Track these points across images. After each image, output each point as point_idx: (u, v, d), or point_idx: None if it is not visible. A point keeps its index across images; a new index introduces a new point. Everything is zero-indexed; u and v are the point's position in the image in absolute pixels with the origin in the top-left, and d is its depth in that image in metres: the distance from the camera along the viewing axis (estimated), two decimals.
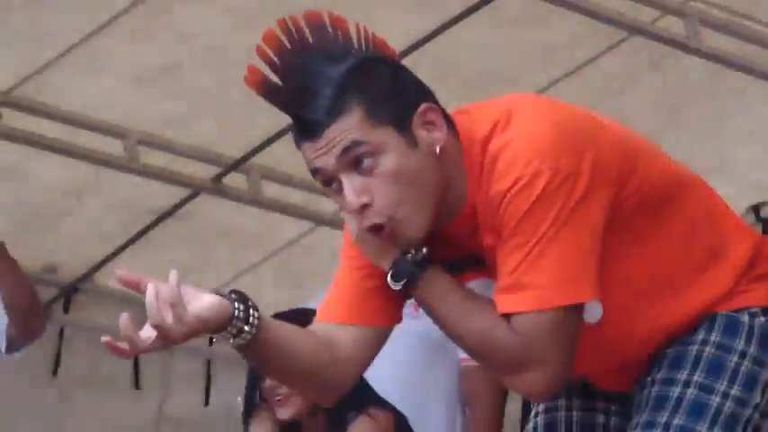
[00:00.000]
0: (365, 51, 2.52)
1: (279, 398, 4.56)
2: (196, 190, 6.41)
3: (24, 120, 5.85)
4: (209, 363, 7.11)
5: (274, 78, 2.42)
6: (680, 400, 2.60)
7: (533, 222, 2.45)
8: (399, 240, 2.53)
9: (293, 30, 2.43)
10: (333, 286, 2.71)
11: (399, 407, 4.67)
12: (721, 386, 2.59)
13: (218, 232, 6.50)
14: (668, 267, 2.69)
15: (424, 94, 2.51)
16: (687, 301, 2.70)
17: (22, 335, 5.03)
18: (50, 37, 5.69)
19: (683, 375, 2.61)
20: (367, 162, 2.43)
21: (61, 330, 6.69)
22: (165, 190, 6.38)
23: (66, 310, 6.82)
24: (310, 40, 2.46)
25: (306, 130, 2.43)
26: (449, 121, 2.51)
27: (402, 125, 2.46)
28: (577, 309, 2.46)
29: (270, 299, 5.65)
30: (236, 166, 6.30)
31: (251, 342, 2.40)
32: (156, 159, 6.16)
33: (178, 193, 6.42)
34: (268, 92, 2.42)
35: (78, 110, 5.96)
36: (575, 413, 2.83)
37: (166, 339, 2.24)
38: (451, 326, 2.60)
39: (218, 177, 6.30)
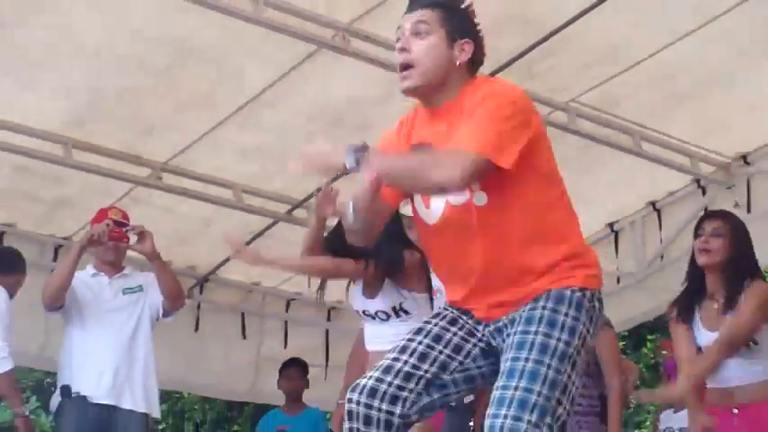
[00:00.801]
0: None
1: None
2: (276, 219, 7.69)
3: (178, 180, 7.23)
4: (285, 323, 8.49)
5: None
6: (533, 343, 3.23)
7: (493, 109, 3.27)
8: (405, 80, 3.43)
9: None
10: None
11: None
12: (556, 334, 3.26)
13: (291, 245, 6.44)
14: (535, 225, 3.35)
15: (474, 34, 3.48)
16: (538, 257, 3.35)
17: (170, 307, 6.34)
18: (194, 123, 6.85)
19: (532, 327, 3.26)
20: (422, 33, 3.43)
21: (198, 305, 8.14)
22: (258, 219, 7.67)
23: (201, 292, 8.23)
24: None
25: (409, 8, 3.49)
26: (475, 60, 3.47)
27: (451, 37, 3.43)
28: (489, 162, 3.16)
29: None
30: (300, 203, 7.54)
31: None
32: (253, 201, 7.52)
33: (266, 221, 7.70)
34: None
35: (214, 173, 7.30)
36: (457, 334, 3.50)
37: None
38: (404, 170, 3.29)
39: (290, 211, 7.66)
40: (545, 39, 6.13)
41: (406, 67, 3.43)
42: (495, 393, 3.20)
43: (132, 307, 6.26)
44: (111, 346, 6.12)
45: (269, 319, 8.59)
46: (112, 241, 6.15)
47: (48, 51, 6.03)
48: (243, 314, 8.40)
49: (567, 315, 3.30)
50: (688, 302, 5.15)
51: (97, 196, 6.94)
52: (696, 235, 5.23)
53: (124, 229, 6.18)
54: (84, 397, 6.00)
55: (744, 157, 7.57)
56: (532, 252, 3.37)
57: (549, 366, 3.20)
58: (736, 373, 4.95)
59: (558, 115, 6.88)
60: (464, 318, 3.51)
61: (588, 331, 3.34)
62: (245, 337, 8.36)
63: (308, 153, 3.36)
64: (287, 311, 8.48)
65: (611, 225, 8.07)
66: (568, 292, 3.34)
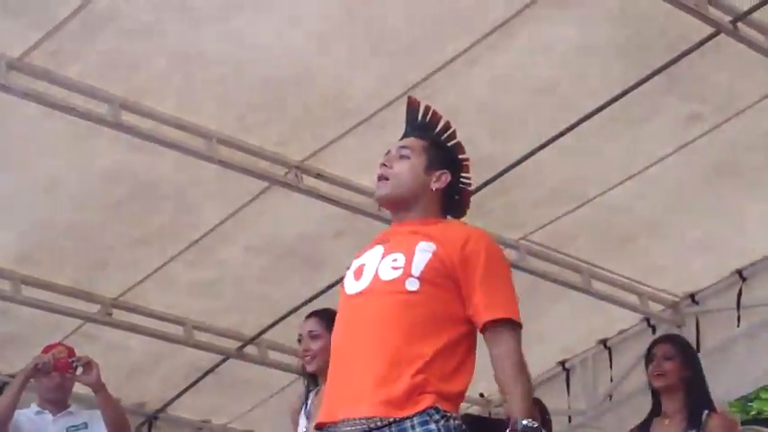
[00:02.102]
0: (438, 133, 3.75)
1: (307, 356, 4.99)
2: (226, 356, 7.55)
3: (129, 316, 7.20)
4: None
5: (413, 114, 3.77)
6: None
7: (501, 270, 3.46)
8: (379, 189, 3.66)
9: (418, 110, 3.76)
10: None
11: None
12: None
13: (242, 382, 7.29)
14: (433, 357, 3.36)
15: (453, 167, 3.70)
16: (413, 384, 3.31)
17: None
18: (146, 258, 6.90)
19: None
20: (405, 156, 3.66)
21: None
22: (209, 356, 7.50)
23: (149, 430, 7.99)
24: (420, 118, 3.77)
25: (403, 137, 3.76)
26: (454, 192, 3.70)
27: (430, 165, 3.66)
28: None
29: None
30: (251, 340, 7.48)
31: None
32: (203, 337, 7.39)
33: (216, 357, 7.58)
34: (408, 115, 3.79)
35: (165, 309, 7.22)
36: None
37: None
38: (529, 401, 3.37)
39: (240, 348, 7.51)
40: (497, 176, 6.21)
41: (382, 178, 3.65)
42: None
43: None
44: None
45: None
46: (57, 371, 6.03)
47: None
48: None
49: None
50: (643, 425, 5.33)
51: (46, 332, 6.84)
52: (648, 361, 5.38)
53: (70, 360, 6.03)
54: None
55: (692, 296, 7.64)
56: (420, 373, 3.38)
57: None
58: None
59: (508, 252, 6.77)
60: None
61: None
62: None
63: None
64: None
65: (562, 363, 8.03)
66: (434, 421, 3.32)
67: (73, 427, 6.13)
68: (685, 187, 6.67)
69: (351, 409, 3.37)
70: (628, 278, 7.47)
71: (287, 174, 6.18)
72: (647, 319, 7.77)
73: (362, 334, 3.47)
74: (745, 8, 5.56)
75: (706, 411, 5.19)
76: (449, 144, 3.77)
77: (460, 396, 3.48)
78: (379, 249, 3.58)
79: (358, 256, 3.66)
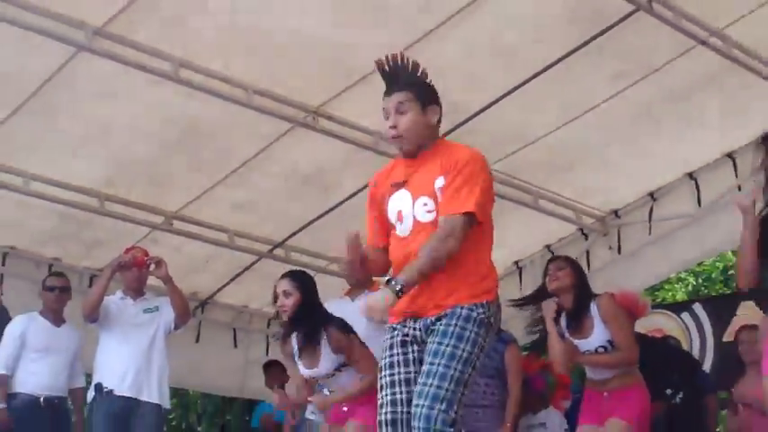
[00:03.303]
0: (419, 76, 3.54)
1: (284, 310, 4.86)
2: (260, 257, 7.55)
3: (185, 226, 7.42)
4: (267, 336, 8.16)
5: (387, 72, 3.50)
6: (443, 353, 3.29)
7: (474, 173, 3.34)
8: (400, 146, 3.50)
9: (393, 61, 3.51)
10: (368, 231, 3.62)
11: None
12: (461, 345, 3.31)
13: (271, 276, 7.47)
14: (466, 253, 3.34)
15: (437, 100, 3.53)
16: (461, 278, 3.35)
17: (180, 322, 6.18)
18: (198, 182, 6.91)
19: (445, 340, 3.31)
20: (403, 111, 3.46)
21: (199, 322, 7.99)
22: (247, 257, 7.55)
23: (202, 312, 8.07)
24: (392, 68, 3.51)
25: (387, 92, 3.50)
26: (440, 119, 3.52)
27: (424, 106, 3.48)
28: (475, 218, 3.29)
29: None
30: (280, 244, 7.41)
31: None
32: (242, 243, 7.44)
33: (252, 257, 7.60)
34: (383, 75, 3.51)
35: (212, 221, 7.22)
36: (399, 354, 3.45)
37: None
38: (434, 265, 3.28)
39: (271, 251, 7.44)
40: (467, 120, 6.16)
41: (396, 137, 3.51)
42: (417, 389, 3.28)
43: (150, 323, 6.14)
44: (133, 352, 6.01)
45: (254, 333, 8.48)
46: (135, 267, 6.06)
47: (89, 130, 6.06)
48: (234, 329, 8.30)
49: (471, 331, 3.33)
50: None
51: (123, 238, 6.87)
52: (545, 275, 5.39)
53: (145, 258, 6.06)
54: (112, 391, 5.91)
55: (615, 212, 7.64)
56: (458, 273, 3.37)
57: (455, 369, 3.27)
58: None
59: None
60: (407, 334, 3.45)
61: (485, 340, 3.37)
62: (235, 346, 8.28)
63: (370, 307, 3.28)
64: (268, 327, 8.28)
65: (516, 263, 8.05)
66: (474, 314, 3.34)
67: (148, 309, 6.18)
68: (612, 129, 6.64)
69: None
70: (566, 198, 7.48)
71: (306, 117, 6.12)
72: (581, 230, 7.79)
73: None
74: None
75: (594, 299, 5.22)
76: (427, 81, 3.59)
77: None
78: (406, 195, 3.50)
79: (378, 191, 3.61)
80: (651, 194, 7.31)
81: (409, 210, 3.47)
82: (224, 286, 7.96)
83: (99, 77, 5.57)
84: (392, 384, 3.42)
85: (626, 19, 5.60)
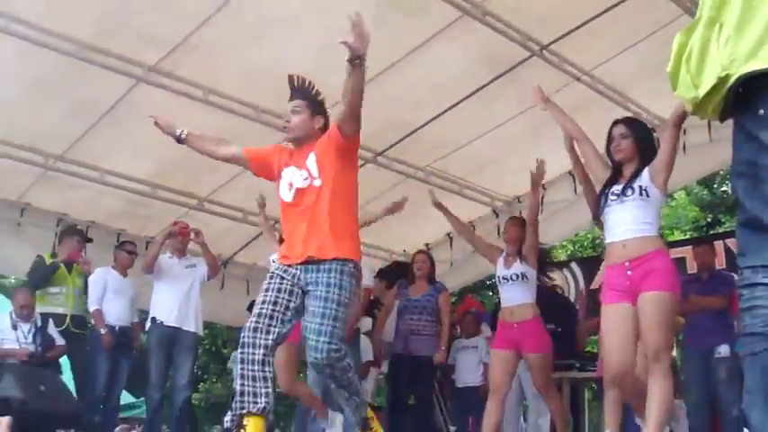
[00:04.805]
0: (313, 91, 3.42)
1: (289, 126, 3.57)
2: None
3: (213, 207, 7.02)
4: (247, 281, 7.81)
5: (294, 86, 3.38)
6: (330, 298, 3.20)
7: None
8: (288, 134, 3.39)
9: (299, 79, 3.40)
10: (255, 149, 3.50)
11: None
12: (341, 293, 3.23)
13: None
14: (340, 211, 3.24)
15: (324, 112, 3.43)
16: (337, 233, 3.24)
17: (211, 275, 6.11)
18: (223, 173, 6.71)
19: (330, 289, 3.20)
20: (297, 112, 3.41)
21: (223, 275, 7.51)
22: (255, 229, 7.35)
23: (224, 268, 7.60)
24: (297, 84, 3.40)
25: (291, 98, 3.44)
26: (326, 125, 3.41)
27: (312, 114, 3.40)
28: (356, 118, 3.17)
29: None
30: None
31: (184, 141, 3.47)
32: (255, 218, 7.33)
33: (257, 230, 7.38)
34: (290, 86, 3.41)
35: (233, 203, 7.02)
36: (288, 283, 3.26)
37: None
38: (360, 86, 3.18)
39: None
40: (412, 132, 6.12)
41: (288, 128, 3.43)
42: (312, 326, 3.16)
43: (190, 275, 6.07)
44: (177, 295, 5.95)
45: (261, 283, 8.07)
46: (180, 236, 6.02)
47: (144, 138, 5.86)
48: (247, 281, 8.09)
49: (346, 281, 3.25)
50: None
51: (168, 215, 6.75)
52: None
53: (188, 229, 6.02)
54: (162, 322, 5.90)
55: (518, 198, 7.55)
56: (334, 229, 3.27)
57: (338, 311, 3.21)
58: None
59: (419, 174, 6.85)
60: (288, 273, 3.30)
61: (353, 288, 3.28)
62: (248, 293, 7.91)
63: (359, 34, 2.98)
64: None
65: (448, 234, 7.90)
66: (348, 267, 3.24)
67: (188, 265, 6.11)
68: (514, 140, 6.51)
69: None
70: (483, 188, 7.37)
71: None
72: (494, 210, 7.65)
73: (302, 220, 3.32)
74: (545, 42, 5.50)
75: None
76: (319, 98, 3.47)
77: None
78: (294, 169, 3.39)
79: (281, 155, 3.45)
80: (543, 185, 6.93)
81: (293, 180, 3.38)
82: (240, 250, 7.76)
83: (151, 101, 5.51)
84: (263, 302, 3.28)
85: (524, 62, 5.57)
